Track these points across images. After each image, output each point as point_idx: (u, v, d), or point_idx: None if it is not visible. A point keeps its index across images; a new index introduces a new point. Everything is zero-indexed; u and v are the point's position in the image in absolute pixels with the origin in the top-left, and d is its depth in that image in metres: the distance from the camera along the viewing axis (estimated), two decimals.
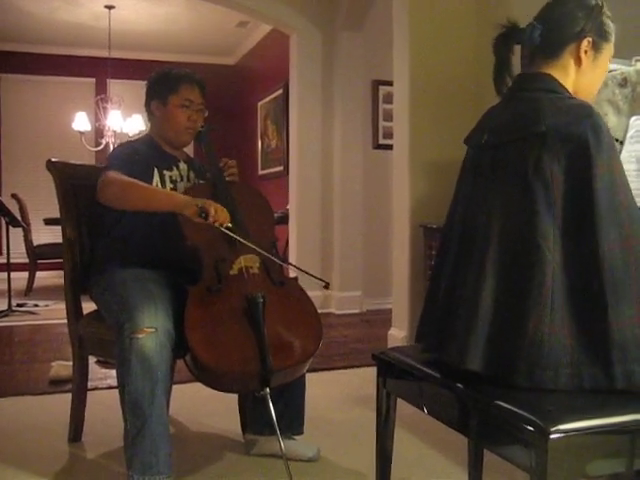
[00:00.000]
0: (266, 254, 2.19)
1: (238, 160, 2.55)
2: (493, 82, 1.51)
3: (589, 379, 1.29)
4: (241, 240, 2.11)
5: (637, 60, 2.19)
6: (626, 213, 1.30)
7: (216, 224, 2.00)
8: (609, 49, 1.53)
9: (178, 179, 2.39)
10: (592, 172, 1.30)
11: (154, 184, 2.30)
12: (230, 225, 2.06)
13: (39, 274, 6.90)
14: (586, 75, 1.51)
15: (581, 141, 1.31)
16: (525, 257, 1.34)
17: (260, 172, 7.81)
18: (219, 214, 2.00)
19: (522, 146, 1.38)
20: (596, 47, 1.49)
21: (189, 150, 2.61)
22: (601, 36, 1.50)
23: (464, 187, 1.58)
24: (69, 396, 2.49)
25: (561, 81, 1.47)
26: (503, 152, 1.44)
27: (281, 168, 7.00)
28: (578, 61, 1.49)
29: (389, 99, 5.26)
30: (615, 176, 1.31)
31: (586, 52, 1.49)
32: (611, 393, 1.29)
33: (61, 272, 2.49)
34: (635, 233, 1.30)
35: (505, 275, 1.37)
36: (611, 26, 1.52)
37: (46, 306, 5.95)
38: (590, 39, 1.48)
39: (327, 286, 2.29)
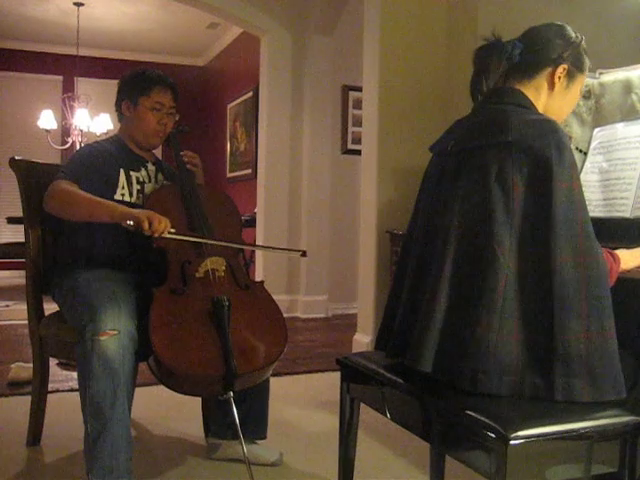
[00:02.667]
0: (226, 244, 2.18)
1: (206, 162, 2.54)
2: (470, 91, 1.55)
3: (530, 388, 1.32)
4: (187, 239, 2.11)
5: (601, 73, 2.24)
6: (581, 229, 1.33)
7: (155, 235, 1.99)
8: (581, 80, 1.60)
9: (146, 180, 2.38)
10: (552, 186, 1.33)
11: (120, 185, 2.28)
12: (173, 230, 2.04)
13: (1, 273, 6.78)
14: (557, 100, 1.57)
15: (544, 155, 1.34)
16: (479, 262, 1.36)
17: (228, 175, 7.78)
18: (155, 226, 1.98)
19: (486, 153, 1.41)
20: (570, 75, 1.56)
21: (157, 152, 2.59)
22: (576, 66, 1.57)
23: (426, 194, 1.60)
24: (28, 398, 2.44)
25: (532, 99, 1.53)
26: (467, 158, 1.46)
27: (249, 171, 6.98)
28: (551, 85, 1.55)
29: (359, 104, 5.29)
30: (574, 193, 1.34)
31: (560, 78, 1.55)
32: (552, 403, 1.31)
33: (23, 272, 2.45)
34: (588, 250, 1.33)
35: (460, 279, 1.39)
36: (587, 60, 1.59)
37: (6, 306, 5.84)
38: (566, 67, 1.55)
39: (304, 254, 2.29)
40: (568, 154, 1.36)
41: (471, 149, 1.46)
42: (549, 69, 1.54)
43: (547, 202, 1.33)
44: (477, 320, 1.33)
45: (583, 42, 1.57)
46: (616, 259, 1.48)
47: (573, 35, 1.56)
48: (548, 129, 1.38)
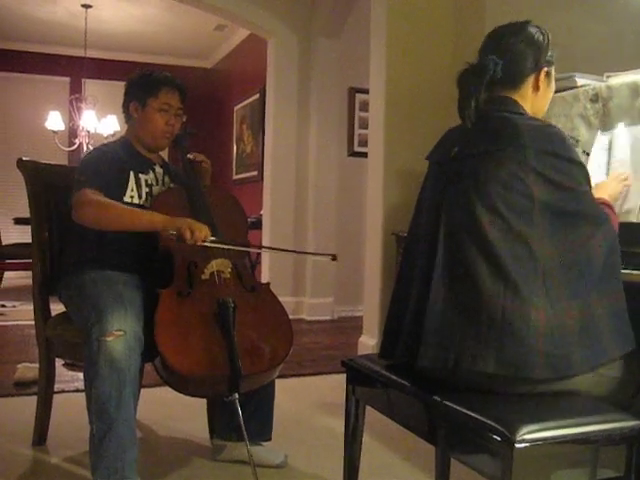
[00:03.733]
0: (256, 250, 2.20)
1: (212, 164, 2.55)
2: (459, 113, 1.58)
3: (583, 362, 1.39)
4: (224, 247, 2.13)
5: (608, 76, 2.23)
6: (584, 221, 1.45)
7: (197, 243, 2.02)
8: (554, 71, 1.69)
9: (154, 183, 2.38)
10: (572, 182, 1.46)
11: (129, 188, 2.28)
12: (213, 238, 2.06)
13: (7, 274, 6.80)
14: (541, 99, 1.67)
15: (559, 158, 1.46)
16: (517, 254, 1.41)
17: (235, 176, 7.79)
18: (196, 235, 2.01)
19: (500, 156, 1.46)
20: (548, 74, 1.65)
21: (164, 154, 2.60)
22: (550, 64, 1.65)
23: (430, 200, 1.63)
24: (34, 399, 2.45)
25: (521, 105, 1.61)
26: (479, 162, 1.50)
27: (256, 173, 6.99)
28: (536, 89, 1.64)
29: (365, 107, 5.29)
30: (587, 189, 1.50)
31: (542, 81, 1.64)
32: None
33: (30, 272, 2.45)
34: (576, 238, 1.43)
35: (498, 275, 1.41)
36: (553, 52, 1.67)
37: (13, 307, 5.86)
38: (545, 69, 1.63)
39: (335, 258, 2.29)
40: (578, 157, 1.48)
41: (481, 153, 1.51)
42: (532, 77, 1.62)
43: (570, 196, 1.45)
44: (535, 307, 1.37)
45: (549, 37, 1.64)
46: (610, 209, 1.63)
47: (540, 37, 1.62)
48: (555, 135, 1.50)
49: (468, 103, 1.54)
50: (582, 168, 1.51)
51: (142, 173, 2.35)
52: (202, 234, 2.03)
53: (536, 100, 1.65)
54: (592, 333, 1.40)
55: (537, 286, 1.38)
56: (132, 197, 2.28)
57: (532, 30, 1.62)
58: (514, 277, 1.39)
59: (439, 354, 1.45)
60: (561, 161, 1.46)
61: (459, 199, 1.51)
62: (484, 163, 1.48)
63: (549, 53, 1.63)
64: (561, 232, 1.43)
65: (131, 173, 2.30)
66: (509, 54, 1.60)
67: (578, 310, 1.40)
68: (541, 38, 1.62)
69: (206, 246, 2.06)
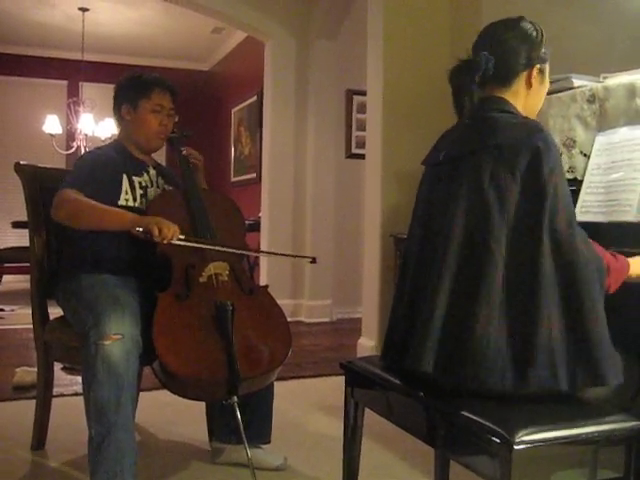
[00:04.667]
0: (233, 251, 2.19)
1: (211, 166, 2.55)
2: (454, 109, 1.58)
3: (535, 381, 1.32)
4: (196, 245, 2.12)
5: (605, 77, 2.23)
6: (565, 221, 1.37)
7: (164, 241, 1.99)
8: (548, 68, 1.67)
9: (148, 185, 2.38)
10: (543, 181, 1.38)
11: (123, 190, 2.28)
12: (182, 237, 2.05)
13: (6, 277, 6.80)
14: (534, 96, 1.64)
15: (533, 151, 1.40)
16: (478, 260, 1.39)
17: (233, 179, 7.78)
18: (164, 233, 1.98)
19: (479, 157, 1.46)
20: (541, 71, 1.63)
21: (161, 157, 2.59)
22: (544, 60, 1.63)
23: (422, 202, 1.65)
24: (33, 402, 2.45)
25: (513, 103, 1.59)
26: (461, 164, 1.51)
27: (254, 175, 6.99)
28: (529, 86, 1.61)
29: (363, 109, 5.29)
30: (559, 187, 1.39)
31: (535, 78, 1.61)
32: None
33: (28, 276, 2.45)
34: (569, 239, 1.37)
35: (459, 277, 1.42)
36: (547, 50, 1.64)
37: (12, 310, 5.85)
38: (538, 66, 1.61)
39: (314, 260, 2.29)
40: (554, 149, 1.42)
41: (463, 155, 1.51)
42: (524, 73, 1.60)
43: (538, 197, 1.38)
44: (476, 317, 1.36)
45: (543, 34, 1.62)
46: (620, 259, 1.51)
47: (534, 33, 1.60)
48: (534, 129, 1.44)
49: (462, 100, 1.54)
50: (556, 165, 1.41)
51: (136, 175, 2.35)
52: (170, 232, 2.00)
53: (529, 98, 1.62)
54: (538, 355, 1.32)
55: (487, 296, 1.36)
56: (127, 200, 2.28)
57: (526, 26, 1.60)
58: (461, 283, 1.40)
59: (400, 355, 1.50)
60: (538, 156, 1.39)
61: (442, 202, 1.52)
62: (465, 165, 1.49)
63: (543, 50, 1.61)
64: (521, 239, 1.38)
65: (124, 176, 2.30)
66: (501, 50, 1.58)
67: (524, 326, 1.34)
68: (535, 34, 1.59)
69: (173, 244, 2.03)
